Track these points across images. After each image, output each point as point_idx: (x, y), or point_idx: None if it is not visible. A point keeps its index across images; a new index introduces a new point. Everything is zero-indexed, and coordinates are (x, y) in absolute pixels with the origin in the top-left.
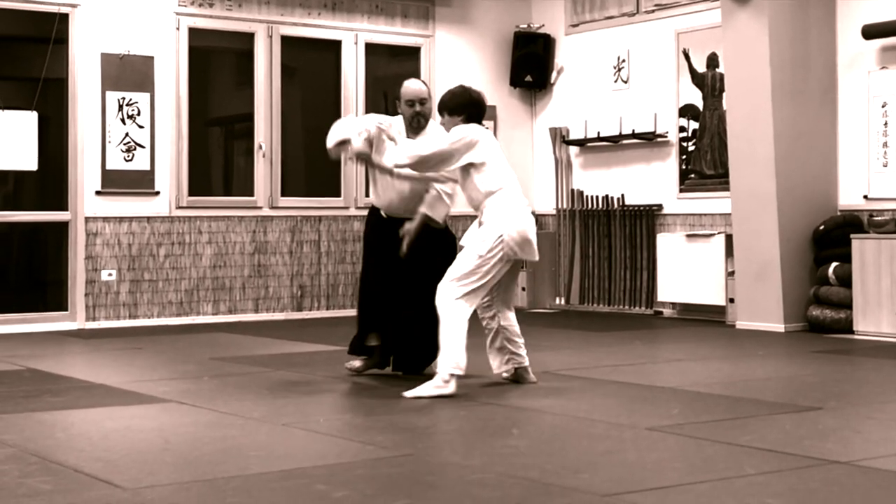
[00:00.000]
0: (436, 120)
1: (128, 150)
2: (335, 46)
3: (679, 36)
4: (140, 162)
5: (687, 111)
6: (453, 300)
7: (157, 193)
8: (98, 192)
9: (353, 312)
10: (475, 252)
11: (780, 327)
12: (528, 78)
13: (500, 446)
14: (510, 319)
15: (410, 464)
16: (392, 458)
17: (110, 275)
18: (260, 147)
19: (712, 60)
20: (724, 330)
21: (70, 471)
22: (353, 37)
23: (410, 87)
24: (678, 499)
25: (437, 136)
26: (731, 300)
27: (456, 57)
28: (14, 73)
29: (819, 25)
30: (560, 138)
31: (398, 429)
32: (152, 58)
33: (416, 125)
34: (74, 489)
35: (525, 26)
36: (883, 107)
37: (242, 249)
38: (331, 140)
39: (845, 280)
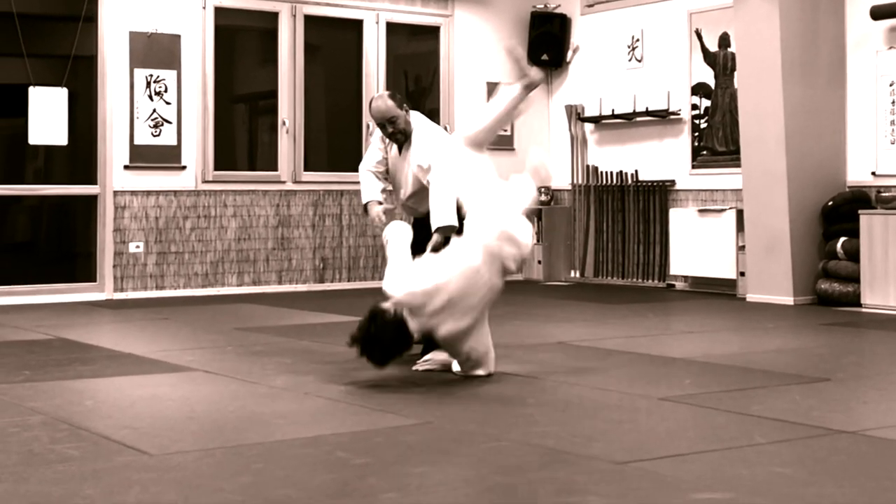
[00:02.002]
0: (412, 124)
1: (155, 126)
2: (357, 25)
3: (692, 16)
4: (167, 137)
5: (699, 89)
6: None
7: (184, 168)
8: (126, 167)
9: (374, 284)
10: None
11: (789, 300)
12: (545, 57)
13: (516, 415)
14: None
15: (429, 432)
16: (411, 426)
17: (138, 247)
18: (283, 123)
19: (724, 40)
20: (734, 303)
21: (98, 437)
22: (375, 16)
23: (373, 110)
24: (689, 467)
25: (441, 151)
26: (742, 274)
27: (474, 36)
28: (45, 50)
29: (828, 6)
30: (575, 115)
31: (417, 398)
32: (179, 36)
33: (398, 141)
34: (103, 455)
35: (542, 6)
36: (890, 86)
37: (266, 223)
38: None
39: (853, 254)
